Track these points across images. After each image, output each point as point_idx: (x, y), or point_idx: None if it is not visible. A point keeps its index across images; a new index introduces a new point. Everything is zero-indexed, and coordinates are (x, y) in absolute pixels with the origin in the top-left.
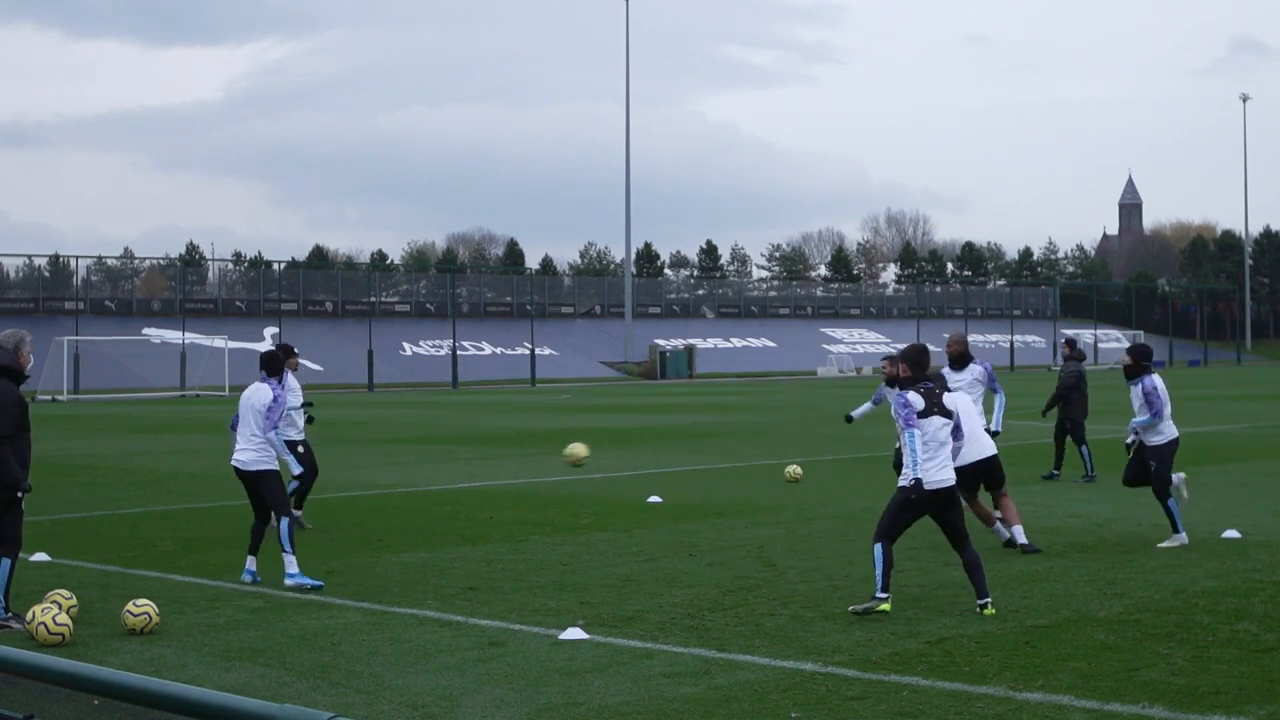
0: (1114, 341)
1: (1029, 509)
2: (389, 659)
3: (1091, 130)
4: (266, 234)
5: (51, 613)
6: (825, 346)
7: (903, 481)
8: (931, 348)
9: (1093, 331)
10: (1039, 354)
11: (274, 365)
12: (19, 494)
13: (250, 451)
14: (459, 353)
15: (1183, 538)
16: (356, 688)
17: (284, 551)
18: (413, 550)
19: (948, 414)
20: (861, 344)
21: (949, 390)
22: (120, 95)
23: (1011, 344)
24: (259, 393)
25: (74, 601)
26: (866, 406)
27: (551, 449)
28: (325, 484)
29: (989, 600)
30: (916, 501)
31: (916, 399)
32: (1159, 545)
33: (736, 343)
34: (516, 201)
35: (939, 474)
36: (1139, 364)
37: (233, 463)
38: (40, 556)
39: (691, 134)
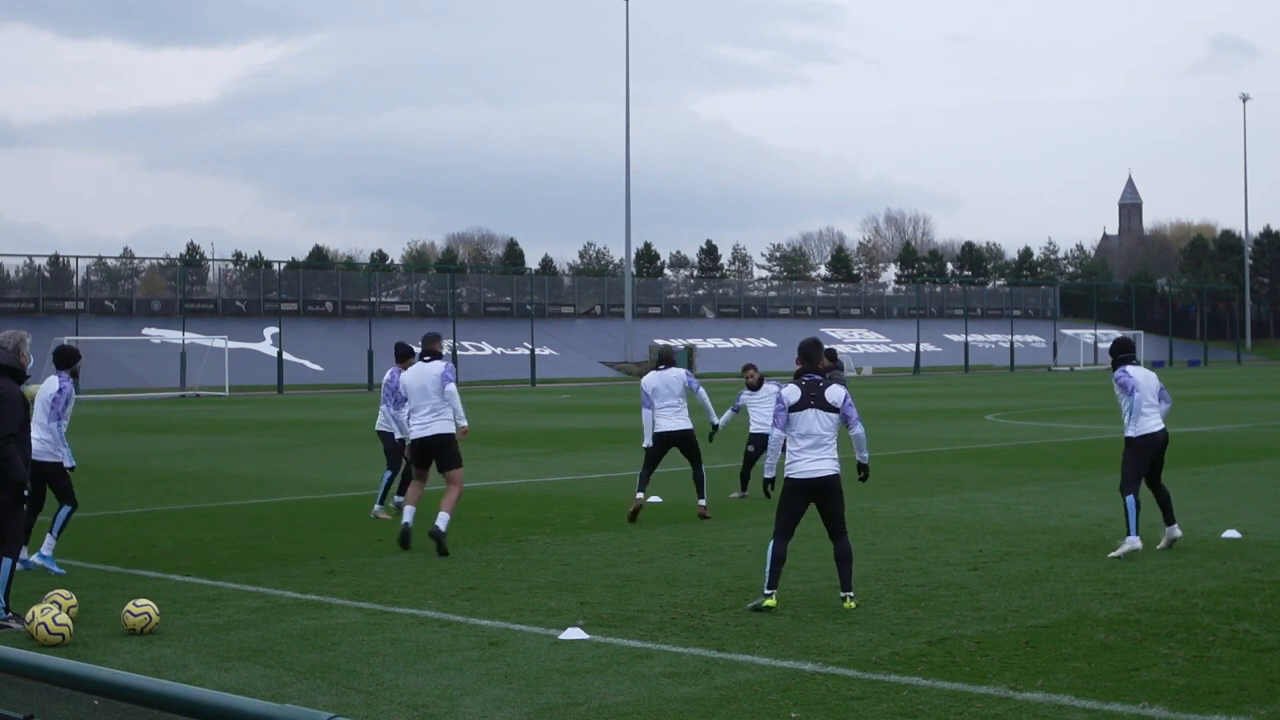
0: None
1: (1029, 509)
2: (389, 659)
3: (1091, 130)
4: (260, 234)
5: (51, 613)
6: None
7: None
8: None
9: (1093, 331)
10: (1039, 354)
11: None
12: (25, 492)
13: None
14: (459, 353)
15: (1134, 542)
16: (356, 688)
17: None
18: (413, 550)
19: (829, 407)
20: (862, 344)
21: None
22: (112, 96)
23: (1011, 344)
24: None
25: (74, 601)
26: (728, 414)
27: (551, 449)
28: (325, 484)
29: (852, 594)
30: (788, 492)
31: (792, 392)
32: (1109, 555)
33: (736, 343)
34: (516, 201)
35: (811, 465)
36: (1117, 356)
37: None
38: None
39: (684, 133)
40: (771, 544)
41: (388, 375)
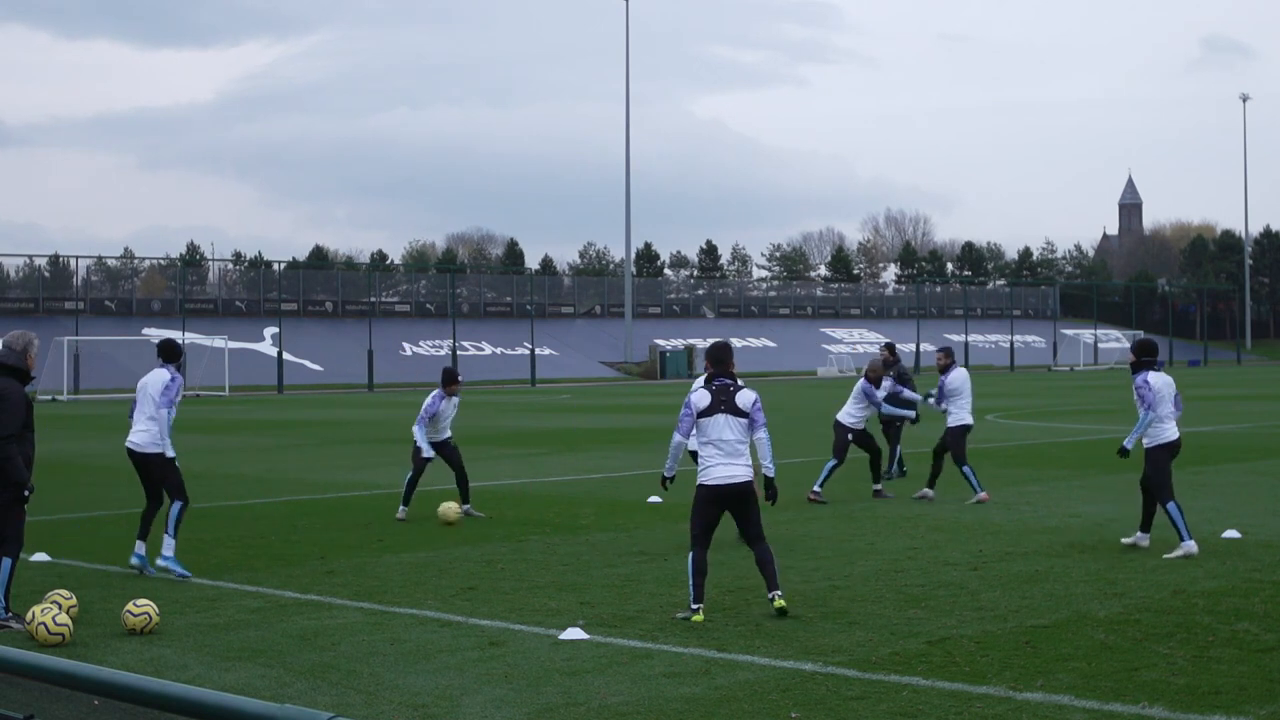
0: (1114, 341)
1: (1029, 509)
2: (389, 659)
3: (1091, 130)
4: (257, 234)
5: (51, 613)
6: (825, 347)
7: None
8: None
9: (1093, 331)
10: (1039, 354)
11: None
12: (26, 493)
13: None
14: (459, 353)
15: (1190, 546)
16: (356, 688)
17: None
18: (413, 550)
19: (738, 412)
20: (862, 344)
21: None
22: (110, 96)
23: (1011, 344)
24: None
25: (74, 601)
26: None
27: (551, 449)
28: (325, 484)
29: (779, 592)
30: (701, 500)
31: (702, 397)
32: (1165, 556)
33: (736, 343)
34: (516, 201)
35: (724, 471)
36: (1139, 359)
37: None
38: (40, 556)
39: (682, 133)
40: (691, 555)
41: (430, 400)
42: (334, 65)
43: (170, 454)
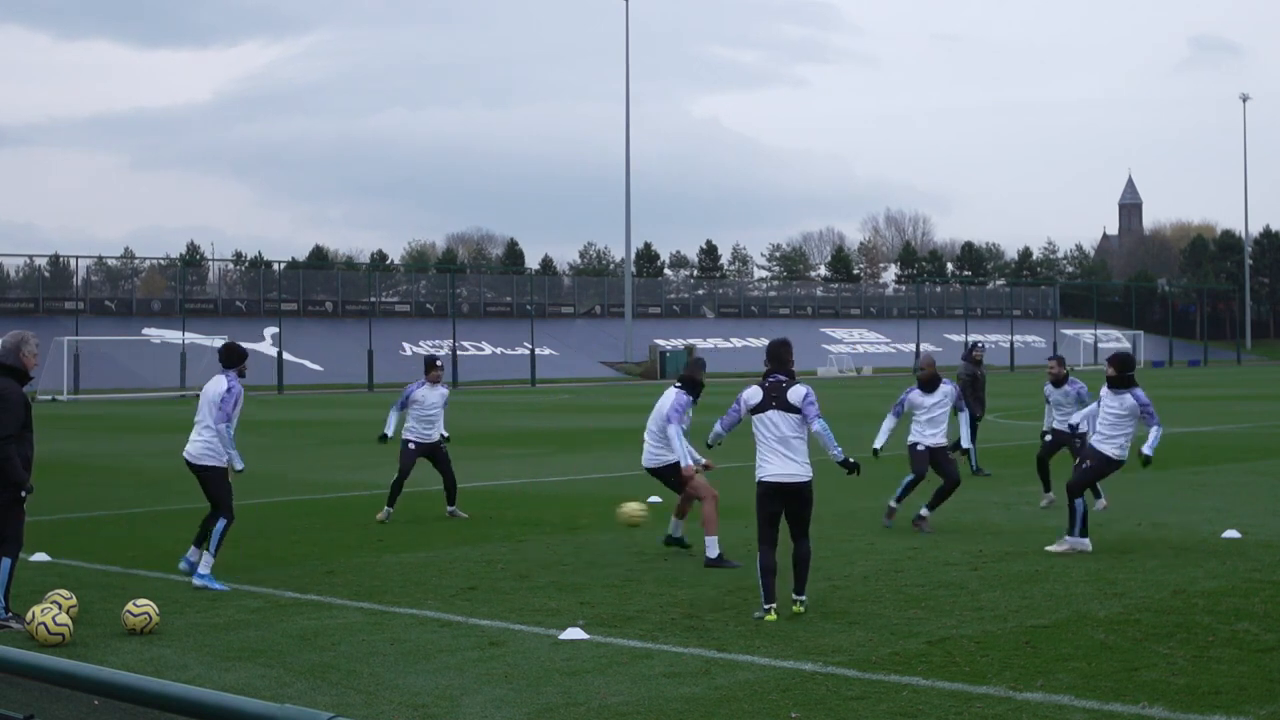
0: (1114, 341)
1: (1029, 510)
2: (389, 659)
3: (1091, 130)
4: (256, 234)
5: (51, 613)
6: (825, 347)
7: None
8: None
9: (1093, 331)
10: (1039, 354)
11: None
12: (24, 493)
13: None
14: (459, 353)
15: (1083, 543)
16: (356, 688)
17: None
18: (413, 550)
19: (790, 408)
20: (862, 344)
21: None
22: (109, 97)
23: (1011, 344)
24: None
25: (74, 601)
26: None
27: (551, 449)
28: (326, 484)
29: (804, 598)
30: (762, 497)
31: (754, 394)
32: (1047, 548)
33: (736, 343)
34: (516, 201)
35: (780, 468)
36: (1121, 374)
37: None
38: (40, 556)
39: (682, 133)
40: (759, 555)
41: (410, 386)
42: (333, 65)
43: (239, 466)
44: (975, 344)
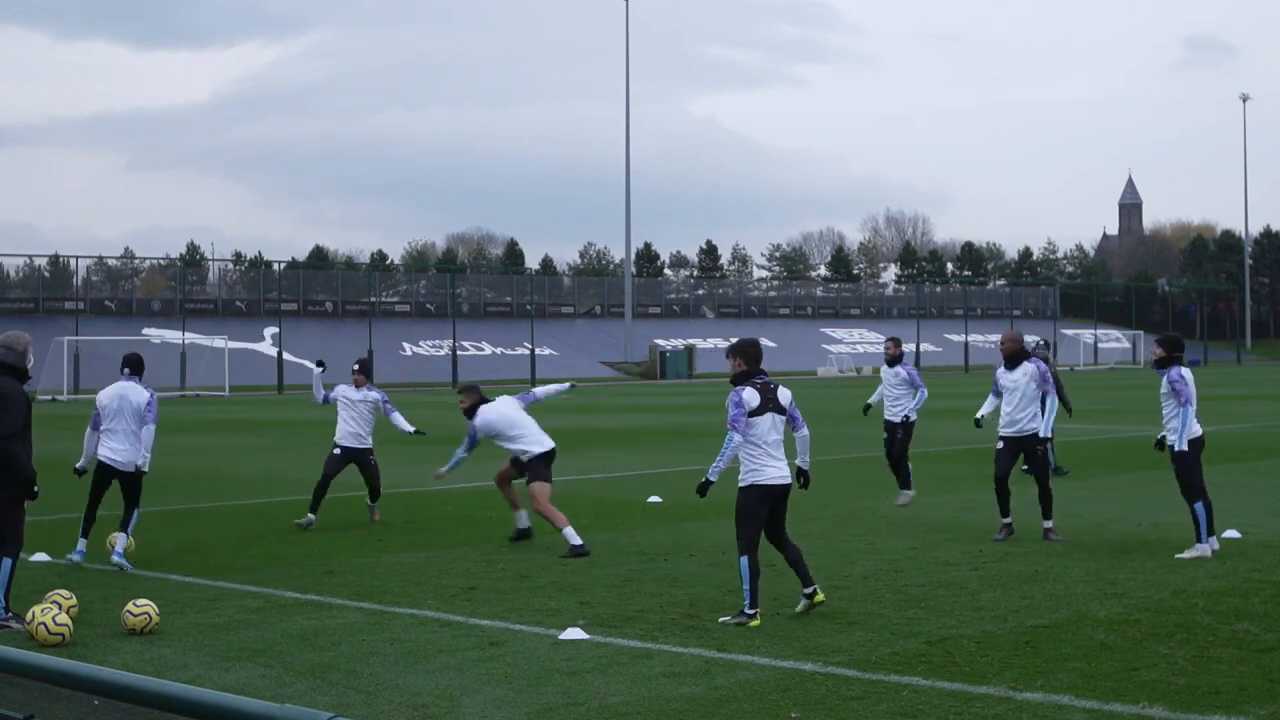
0: (1114, 341)
1: (1029, 509)
2: (389, 659)
3: (1090, 130)
4: (256, 234)
5: (51, 613)
6: (825, 347)
7: (741, 483)
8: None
9: (1093, 331)
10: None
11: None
12: (34, 490)
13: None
14: (459, 353)
15: (1205, 548)
16: (356, 688)
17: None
18: (413, 550)
19: (782, 410)
20: (861, 344)
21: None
22: (108, 97)
23: None
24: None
25: (74, 601)
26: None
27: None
28: None
29: (815, 587)
30: (757, 499)
31: (751, 396)
32: (1177, 556)
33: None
34: (516, 201)
35: (776, 470)
36: (1169, 354)
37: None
38: (40, 556)
39: (682, 133)
40: (746, 560)
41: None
42: (332, 65)
43: (146, 469)
44: (1042, 341)
